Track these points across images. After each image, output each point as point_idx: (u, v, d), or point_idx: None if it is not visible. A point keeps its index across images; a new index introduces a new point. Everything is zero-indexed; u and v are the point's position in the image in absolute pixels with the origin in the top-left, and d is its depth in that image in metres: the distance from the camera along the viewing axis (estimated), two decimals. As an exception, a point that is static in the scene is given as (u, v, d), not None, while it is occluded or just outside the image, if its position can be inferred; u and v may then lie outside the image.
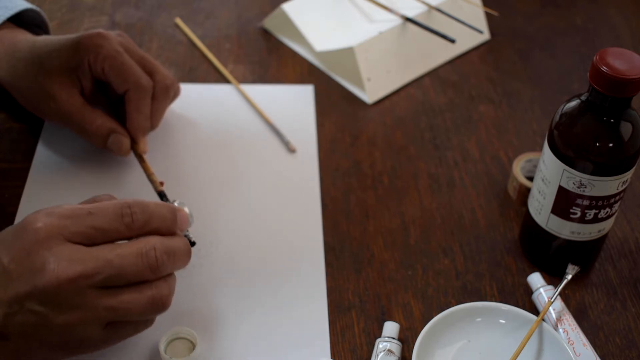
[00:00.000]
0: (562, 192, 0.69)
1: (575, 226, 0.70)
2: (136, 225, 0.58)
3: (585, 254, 0.73)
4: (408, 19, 0.93)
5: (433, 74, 0.96)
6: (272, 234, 0.76)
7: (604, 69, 0.63)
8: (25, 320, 0.55)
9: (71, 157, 0.82)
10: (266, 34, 1.00)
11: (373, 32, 0.92)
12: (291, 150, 0.84)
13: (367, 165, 0.84)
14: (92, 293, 0.56)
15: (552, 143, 0.68)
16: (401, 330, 0.69)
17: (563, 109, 0.68)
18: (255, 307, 0.70)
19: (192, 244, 0.64)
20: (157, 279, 0.58)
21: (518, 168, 0.81)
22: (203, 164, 0.83)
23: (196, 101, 0.89)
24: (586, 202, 0.68)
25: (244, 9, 1.03)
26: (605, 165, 0.66)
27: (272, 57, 0.96)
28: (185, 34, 0.99)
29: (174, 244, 0.59)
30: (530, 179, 0.80)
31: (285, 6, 0.96)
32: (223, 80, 0.93)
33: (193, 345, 0.67)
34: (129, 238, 0.58)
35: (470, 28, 0.96)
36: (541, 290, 0.71)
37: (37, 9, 0.85)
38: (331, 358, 0.67)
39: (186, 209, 0.68)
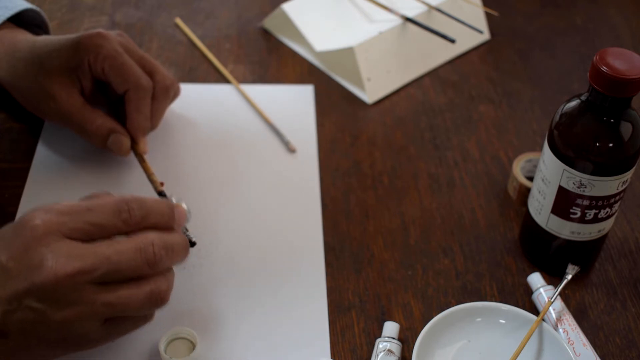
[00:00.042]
0: (562, 192, 0.69)
1: (575, 226, 0.70)
2: (134, 221, 0.58)
3: (585, 254, 0.73)
4: (408, 19, 0.93)
5: (433, 74, 0.96)
6: (272, 234, 0.76)
7: (604, 69, 0.63)
8: (24, 317, 0.55)
9: (71, 157, 0.82)
10: (266, 34, 1.00)
11: (373, 32, 0.92)
12: (291, 150, 0.84)
13: (367, 165, 0.84)
14: (91, 289, 0.56)
15: (552, 143, 0.68)
16: (401, 330, 0.69)
17: (563, 109, 0.68)
18: (255, 307, 0.70)
19: (192, 244, 0.64)
20: (156, 274, 0.58)
21: (518, 168, 0.81)
22: (203, 164, 0.83)
23: (196, 101, 0.89)
24: (586, 202, 0.68)
25: (244, 9, 1.03)
26: (605, 165, 0.66)
27: (272, 57, 0.96)
28: (185, 34, 0.99)
29: (172, 239, 0.59)
30: (530, 179, 0.80)
31: (285, 6, 0.96)
32: (223, 80, 0.93)
33: (193, 345, 0.67)
34: (127, 234, 0.58)
35: (470, 28, 0.96)
36: (541, 290, 0.71)
37: (37, 9, 0.85)
38: (331, 358, 0.67)
39: (184, 205, 0.68)
